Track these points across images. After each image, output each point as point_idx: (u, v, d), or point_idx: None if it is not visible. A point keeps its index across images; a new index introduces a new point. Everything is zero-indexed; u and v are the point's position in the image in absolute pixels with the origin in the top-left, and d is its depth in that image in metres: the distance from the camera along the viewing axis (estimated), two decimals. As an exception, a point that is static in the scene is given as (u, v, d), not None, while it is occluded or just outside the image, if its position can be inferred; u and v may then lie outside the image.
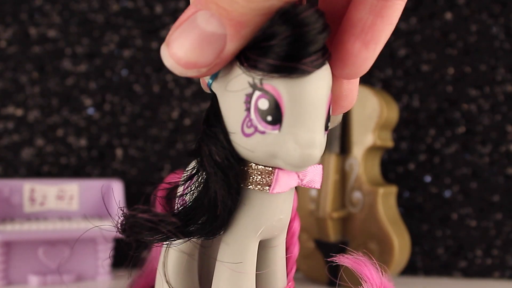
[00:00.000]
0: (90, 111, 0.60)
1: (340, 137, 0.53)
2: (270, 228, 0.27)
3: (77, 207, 0.55)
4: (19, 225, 0.50)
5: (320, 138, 0.24)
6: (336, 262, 0.29)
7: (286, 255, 0.30)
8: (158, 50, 0.60)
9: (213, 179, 0.25)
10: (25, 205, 0.53)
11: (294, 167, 0.24)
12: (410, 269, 0.58)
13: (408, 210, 0.58)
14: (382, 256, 0.50)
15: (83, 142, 0.60)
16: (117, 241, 0.55)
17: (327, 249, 0.52)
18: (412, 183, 0.58)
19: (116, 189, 0.55)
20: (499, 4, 0.57)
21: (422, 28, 0.58)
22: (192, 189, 0.26)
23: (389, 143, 0.54)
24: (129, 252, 0.27)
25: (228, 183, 0.25)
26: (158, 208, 0.30)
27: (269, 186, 0.25)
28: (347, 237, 0.53)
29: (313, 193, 0.53)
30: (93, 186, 0.55)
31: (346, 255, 0.29)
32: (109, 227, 0.27)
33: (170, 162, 0.60)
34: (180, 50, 0.24)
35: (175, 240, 0.26)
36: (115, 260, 0.57)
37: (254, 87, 0.24)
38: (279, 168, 0.25)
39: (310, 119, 0.24)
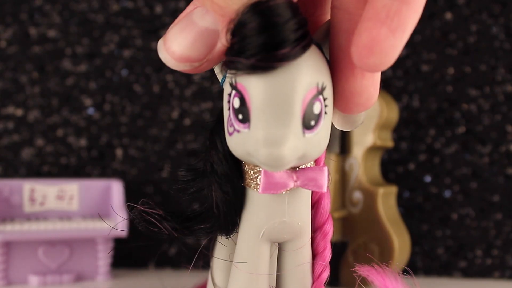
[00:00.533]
0: (90, 111, 0.60)
1: (340, 137, 0.53)
2: (273, 230, 0.26)
3: (77, 207, 0.55)
4: (19, 225, 0.50)
5: (290, 137, 0.23)
6: (358, 273, 0.28)
7: (317, 259, 0.28)
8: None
9: (212, 180, 0.26)
10: (25, 205, 0.53)
11: (267, 166, 0.23)
12: (410, 269, 0.57)
13: (408, 210, 0.58)
14: (382, 256, 0.50)
15: (83, 142, 0.60)
16: (117, 241, 0.55)
17: (327, 249, 0.52)
18: (412, 183, 0.58)
19: (116, 189, 0.55)
20: (499, 4, 0.57)
21: (422, 28, 0.58)
22: (193, 190, 0.27)
23: (389, 143, 0.54)
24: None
25: (219, 183, 0.26)
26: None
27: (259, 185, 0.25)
28: (347, 237, 0.53)
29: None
30: (93, 186, 0.55)
31: (370, 266, 0.28)
32: (108, 226, 0.27)
33: (170, 162, 0.60)
34: (174, 44, 0.24)
35: (178, 236, 0.26)
36: (115, 260, 0.57)
37: (231, 86, 0.24)
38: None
39: (275, 116, 0.23)
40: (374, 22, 0.23)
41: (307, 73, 0.23)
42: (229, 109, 0.24)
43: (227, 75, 0.24)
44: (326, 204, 0.28)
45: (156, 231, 0.26)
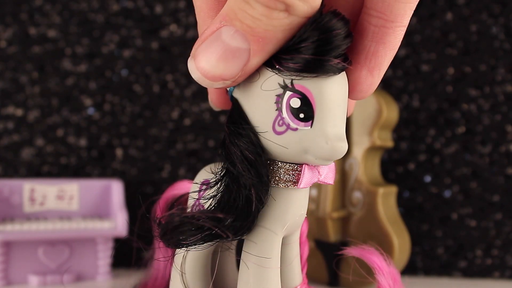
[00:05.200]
0: (90, 111, 0.60)
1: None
2: (293, 223, 0.28)
3: (77, 207, 0.55)
4: (19, 225, 0.50)
5: (344, 133, 0.27)
6: (348, 256, 0.30)
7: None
8: (158, 50, 0.60)
9: (246, 177, 0.26)
10: (25, 205, 0.53)
11: (324, 160, 0.26)
12: (410, 269, 0.58)
13: (408, 210, 0.58)
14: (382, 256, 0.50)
15: (83, 142, 0.60)
16: (117, 241, 0.55)
17: (327, 249, 0.52)
18: (412, 183, 0.58)
19: (116, 189, 0.55)
20: (499, 4, 0.57)
21: (422, 28, 0.58)
22: (221, 190, 0.27)
23: (389, 143, 0.54)
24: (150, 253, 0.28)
25: (261, 179, 0.26)
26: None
27: (293, 183, 0.27)
28: (347, 237, 0.53)
29: (313, 193, 0.53)
30: (93, 186, 0.55)
31: (353, 247, 0.31)
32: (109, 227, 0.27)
33: (170, 162, 0.60)
34: (207, 64, 0.25)
35: (217, 239, 0.27)
36: (115, 260, 0.57)
37: (285, 87, 0.26)
38: (306, 164, 0.27)
39: (337, 115, 0.26)
40: (355, 64, 0.27)
41: (346, 82, 0.27)
42: (277, 109, 0.26)
43: (278, 76, 0.26)
44: None
45: (197, 237, 0.27)
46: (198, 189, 0.29)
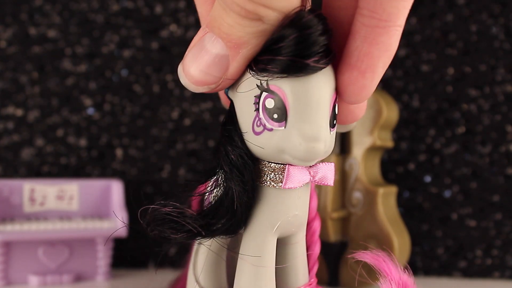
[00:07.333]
0: (90, 111, 0.60)
1: (340, 137, 0.53)
2: (286, 224, 0.28)
3: (77, 207, 0.55)
4: (19, 225, 0.50)
5: (324, 133, 0.26)
6: (357, 259, 0.30)
7: (307, 252, 0.31)
8: (158, 50, 0.60)
9: (229, 177, 0.27)
10: (25, 205, 0.53)
11: (301, 160, 0.26)
12: (410, 269, 0.57)
13: (408, 210, 0.58)
14: (382, 256, 0.50)
15: (83, 142, 0.60)
16: (117, 241, 0.55)
17: (327, 249, 0.52)
18: (412, 183, 0.58)
19: (116, 189, 0.55)
20: (499, 4, 0.57)
21: (422, 28, 0.58)
22: (211, 189, 0.28)
23: (389, 143, 0.54)
24: (156, 249, 0.29)
25: (243, 180, 0.27)
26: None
27: (280, 182, 0.27)
28: (347, 237, 0.53)
29: (313, 193, 0.53)
30: (93, 186, 0.55)
31: (365, 251, 0.30)
32: (109, 226, 0.28)
33: (170, 162, 0.60)
34: (192, 70, 0.27)
35: (198, 238, 0.27)
36: (115, 260, 0.57)
37: (261, 88, 0.26)
38: (290, 164, 0.27)
39: (313, 115, 0.26)
40: (346, 66, 0.26)
41: (331, 79, 0.27)
42: (256, 110, 0.26)
43: (255, 78, 0.26)
44: (314, 203, 0.31)
45: (178, 233, 0.27)
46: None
